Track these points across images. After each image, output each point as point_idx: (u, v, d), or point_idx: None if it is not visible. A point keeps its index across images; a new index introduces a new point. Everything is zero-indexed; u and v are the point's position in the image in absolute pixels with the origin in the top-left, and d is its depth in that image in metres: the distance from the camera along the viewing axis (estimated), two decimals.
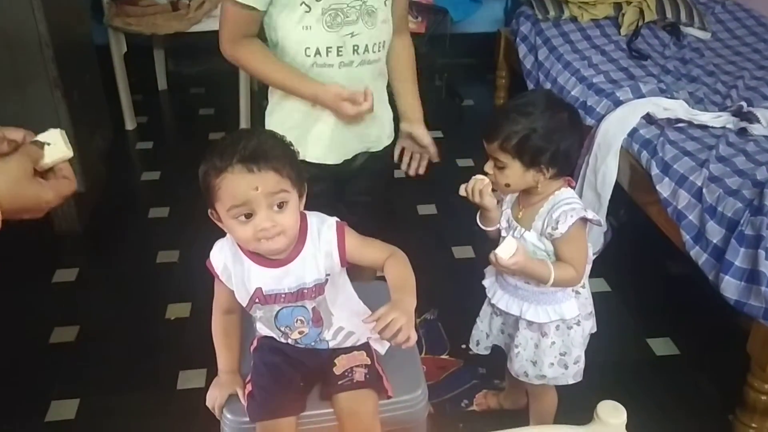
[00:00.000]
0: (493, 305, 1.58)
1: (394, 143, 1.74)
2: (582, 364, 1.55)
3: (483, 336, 1.66)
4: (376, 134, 1.67)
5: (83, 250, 2.61)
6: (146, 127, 3.54)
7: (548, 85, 2.73)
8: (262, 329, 1.36)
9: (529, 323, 1.51)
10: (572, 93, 2.57)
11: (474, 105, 3.73)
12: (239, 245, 1.23)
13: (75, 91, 2.46)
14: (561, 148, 1.36)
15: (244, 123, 3.37)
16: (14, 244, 2.51)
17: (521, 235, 1.44)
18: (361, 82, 1.55)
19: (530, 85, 2.91)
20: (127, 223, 2.75)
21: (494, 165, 1.41)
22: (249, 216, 1.14)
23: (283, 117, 1.59)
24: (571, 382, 1.56)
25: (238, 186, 1.12)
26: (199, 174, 1.18)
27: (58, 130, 0.92)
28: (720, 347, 2.07)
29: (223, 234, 1.26)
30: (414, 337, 1.10)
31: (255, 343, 1.39)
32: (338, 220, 1.28)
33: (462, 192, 1.48)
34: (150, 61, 3.80)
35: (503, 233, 1.51)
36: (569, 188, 1.45)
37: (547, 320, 1.49)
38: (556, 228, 1.38)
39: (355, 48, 1.50)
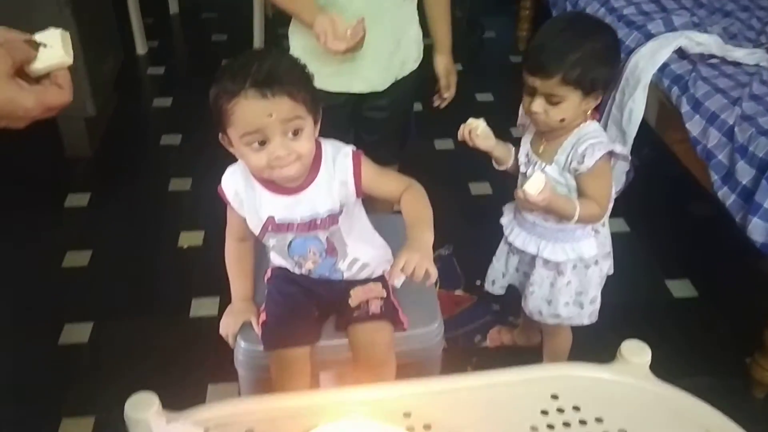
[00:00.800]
0: (509, 243, 1.54)
1: (421, 66, 1.71)
2: (598, 305, 1.52)
3: (499, 275, 1.63)
4: (401, 59, 1.64)
5: (95, 175, 2.59)
6: (158, 51, 3.46)
7: None
8: (276, 258, 1.33)
9: (546, 261, 1.48)
10: None
11: (495, 37, 3.61)
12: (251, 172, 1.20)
13: (85, 12, 2.38)
14: (613, 69, 1.32)
15: None
16: (25, 168, 2.51)
17: (542, 170, 1.39)
18: (381, 5, 1.51)
19: None
20: (138, 150, 2.72)
21: (546, 101, 1.32)
22: (263, 143, 1.10)
23: (305, 40, 1.54)
24: (586, 322, 1.53)
25: (251, 112, 1.07)
26: (210, 96, 1.13)
27: (59, 30, 0.80)
28: (740, 290, 2.04)
29: (235, 160, 1.22)
30: (433, 271, 1.07)
31: (269, 273, 1.37)
32: (354, 148, 1.23)
33: (460, 137, 1.43)
34: None
35: (522, 168, 1.46)
36: (594, 121, 1.39)
37: (565, 259, 1.45)
38: (582, 162, 1.33)
39: None
